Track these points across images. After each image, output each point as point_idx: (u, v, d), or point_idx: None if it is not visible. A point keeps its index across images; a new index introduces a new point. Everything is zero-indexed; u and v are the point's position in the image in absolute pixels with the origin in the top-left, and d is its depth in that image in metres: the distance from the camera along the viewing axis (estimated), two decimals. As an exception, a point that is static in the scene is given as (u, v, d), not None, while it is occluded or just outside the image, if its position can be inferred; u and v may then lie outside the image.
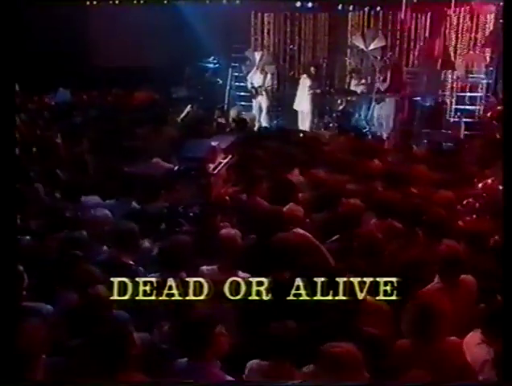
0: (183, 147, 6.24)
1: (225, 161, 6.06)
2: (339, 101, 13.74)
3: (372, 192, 6.03)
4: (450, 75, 13.07)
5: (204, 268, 4.65)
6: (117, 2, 15.62)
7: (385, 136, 12.09)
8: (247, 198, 6.09)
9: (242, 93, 14.40)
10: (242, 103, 14.32)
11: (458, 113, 12.58)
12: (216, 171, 5.78)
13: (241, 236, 4.68)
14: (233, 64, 14.53)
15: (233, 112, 12.29)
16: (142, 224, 5.15)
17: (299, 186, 6.47)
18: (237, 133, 8.10)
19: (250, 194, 6.12)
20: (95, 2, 15.52)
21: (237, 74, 14.49)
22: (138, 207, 5.77)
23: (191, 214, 5.40)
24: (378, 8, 14.52)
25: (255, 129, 10.24)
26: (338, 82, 14.59)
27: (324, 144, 8.22)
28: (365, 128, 13.21)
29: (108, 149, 7.97)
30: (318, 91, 12.97)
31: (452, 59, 13.03)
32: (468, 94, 12.85)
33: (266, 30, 15.26)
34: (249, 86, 13.61)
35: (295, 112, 13.31)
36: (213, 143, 6.07)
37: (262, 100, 13.52)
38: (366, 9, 14.68)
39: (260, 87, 13.47)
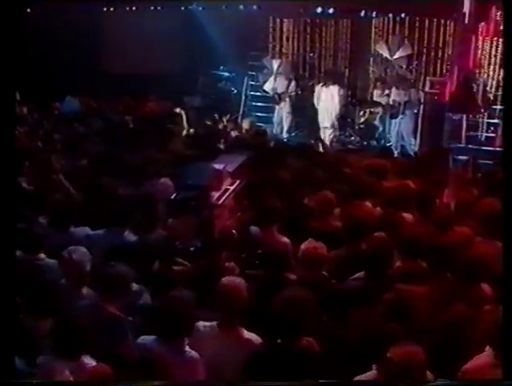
0: (182, 172, 5.42)
1: (233, 187, 5.23)
2: (361, 113, 12.93)
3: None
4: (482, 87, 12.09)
5: (201, 324, 3.86)
6: (134, 8, 15.15)
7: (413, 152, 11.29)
8: (261, 231, 5.29)
9: (259, 103, 13.65)
10: (259, 114, 13.60)
11: (491, 128, 11.64)
12: (220, 201, 4.96)
13: (246, 286, 3.85)
14: (249, 73, 13.82)
15: (245, 124, 11.48)
16: (131, 262, 4.37)
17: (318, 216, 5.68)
18: (250, 149, 7.24)
19: (264, 226, 5.32)
20: (112, 9, 15.02)
21: (253, 83, 13.77)
22: (131, 240, 4.98)
23: (190, 251, 4.59)
24: (403, 14, 13.69)
25: (271, 144, 9.33)
26: (360, 92, 13.77)
27: (347, 163, 7.34)
28: (389, 142, 12.45)
29: (107, 166, 7.21)
30: (339, 102, 12.06)
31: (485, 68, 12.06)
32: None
33: (284, 37, 14.51)
34: (271, 94, 12.81)
35: (316, 123, 12.47)
36: (218, 166, 5.24)
37: (284, 108, 12.72)
38: (390, 15, 13.83)
39: (283, 93, 12.68)
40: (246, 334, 3.82)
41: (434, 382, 3.37)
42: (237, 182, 5.31)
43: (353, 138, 12.89)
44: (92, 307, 4.07)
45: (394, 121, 12.05)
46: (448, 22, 13.20)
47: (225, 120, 11.28)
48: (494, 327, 3.64)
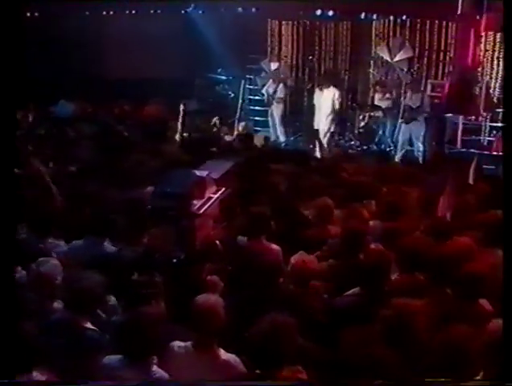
0: (161, 180, 5.13)
1: (217, 195, 4.94)
2: (361, 117, 12.64)
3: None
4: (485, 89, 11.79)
5: (176, 344, 3.58)
6: (133, 11, 14.95)
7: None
8: (249, 241, 5.01)
9: (257, 107, 13.39)
10: (257, 118, 13.32)
11: (493, 132, 11.34)
12: (202, 210, 4.67)
13: (223, 305, 3.56)
14: (247, 76, 13.56)
15: (241, 128, 11.18)
16: (107, 275, 4.11)
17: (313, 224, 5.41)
18: (240, 154, 6.96)
19: (253, 236, 5.05)
20: (112, 12, 14.81)
21: (251, 86, 13.50)
22: (109, 251, 4.71)
23: (169, 263, 4.31)
24: (404, 17, 13.41)
25: (263, 148, 9.03)
26: (361, 96, 13.48)
27: (345, 169, 7.05)
28: (390, 147, 12.14)
29: (95, 172, 6.96)
30: (337, 105, 11.75)
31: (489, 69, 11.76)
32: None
33: (283, 40, 14.25)
34: (265, 96, 12.55)
35: (314, 127, 12.14)
36: (201, 173, 4.95)
37: (275, 112, 12.43)
38: (391, 17, 13.55)
39: (274, 95, 12.38)
40: (224, 355, 3.54)
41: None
42: (222, 189, 5.03)
43: (352, 143, 12.60)
44: (63, 321, 3.81)
45: (404, 125, 11.66)
46: (450, 24, 12.93)
47: (217, 123, 10.97)
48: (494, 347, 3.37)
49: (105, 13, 14.73)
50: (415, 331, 3.53)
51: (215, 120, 10.86)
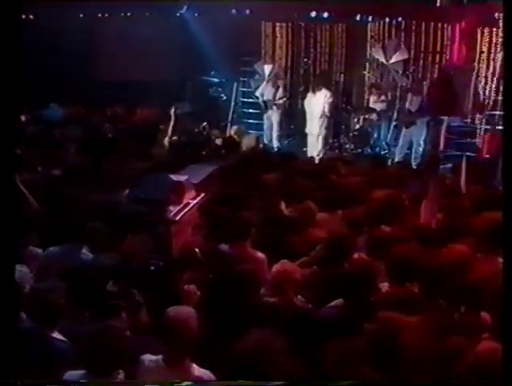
0: (136, 185, 4.93)
1: (196, 201, 4.74)
2: (356, 120, 12.46)
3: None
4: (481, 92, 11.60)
5: (147, 357, 3.38)
6: (129, 14, 14.79)
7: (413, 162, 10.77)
8: (232, 248, 4.82)
9: (251, 110, 13.20)
10: (250, 120, 13.14)
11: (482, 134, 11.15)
12: (179, 216, 4.47)
13: (196, 318, 3.37)
14: (241, 79, 13.39)
15: (233, 131, 10.99)
16: (81, 283, 3.93)
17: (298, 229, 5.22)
18: (226, 158, 6.78)
19: (235, 242, 4.86)
20: (106, 15, 14.65)
21: (245, 89, 13.33)
22: (85, 259, 4.52)
23: (146, 272, 4.11)
24: (400, 18, 13.24)
25: (254, 151, 8.83)
26: (356, 98, 13.30)
27: (336, 173, 6.85)
28: (385, 150, 11.97)
29: (79, 176, 6.78)
30: (330, 107, 11.56)
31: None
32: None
33: (278, 42, 14.07)
34: (260, 100, 12.35)
35: (308, 130, 11.95)
36: (179, 178, 4.75)
37: (272, 116, 12.23)
38: (387, 19, 13.38)
39: (270, 100, 12.20)
40: (197, 371, 3.34)
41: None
42: (202, 195, 4.83)
43: (347, 146, 12.43)
44: (29, 331, 3.62)
45: (405, 129, 11.47)
46: (446, 26, 12.77)
47: (207, 127, 10.79)
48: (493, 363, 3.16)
49: (100, 15, 14.59)
50: (402, 347, 3.31)
51: (204, 124, 10.66)
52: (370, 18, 13.41)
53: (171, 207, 4.43)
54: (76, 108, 12.17)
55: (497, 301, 3.91)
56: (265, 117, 12.36)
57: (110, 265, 4.30)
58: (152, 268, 4.44)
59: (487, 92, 11.39)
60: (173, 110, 9.75)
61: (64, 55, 13.35)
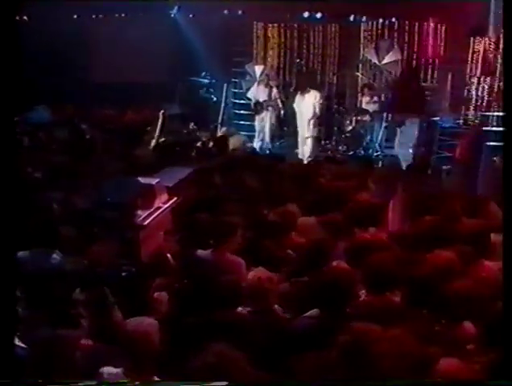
0: (102, 189, 4.75)
1: (168, 205, 4.57)
2: (348, 121, 12.30)
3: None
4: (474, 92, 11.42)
5: (106, 370, 3.22)
6: (123, 15, 14.65)
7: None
8: (211, 254, 4.66)
9: (242, 111, 13.03)
10: (242, 122, 12.97)
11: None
12: (148, 221, 4.29)
13: (157, 330, 3.20)
14: (232, 80, 13.24)
15: (221, 133, 10.83)
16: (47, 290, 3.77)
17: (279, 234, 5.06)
18: (204, 161, 6.62)
19: (213, 248, 4.71)
20: (101, 16, 14.50)
21: (236, 90, 13.17)
22: (53, 263, 4.35)
23: (113, 279, 3.95)
24: (394, 19, 13.10)
25: (240, 153, 8.65)
26: (348, 99, 13.14)
27: (322, 176, 6.68)
28: (377, 151, 11.81)
29: (59, 178, 6.62)
30: (321, 108, 11.39)
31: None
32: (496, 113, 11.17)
33: (270, 43, 13.91)
34: (253, 101, 12.19)
35: (300, 132, 11.77)
36: (150, 181, 4.57)
37: (264, 118, 12.06)
38: (380, 20, 13.25)
39: (265, 102, 12.03)
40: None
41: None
42: (175, 198, 4.66)
43: (340, 147, 12.27)
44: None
45: (398, 129, 11.33)
46: (439, 26, 12.63)
47: (193, 128, 10.64)
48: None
49: (94, 16, 14.44)
50: (375, 360, 3.13)
51: (191, 125, 10.50)
52: (364, 19, 13.29)
53: (140, 212, 4.26)
54: (64, 109, 12.00)
55: (482, 311, 3.75)
56: (256, 118, 12.19)
57: (77, 271, 4.14)
58: (124, 274, 4.27)
59: (479, 92, 11.20)
60: (161, 112, 9.59)
61: (55, 56, 13.19)
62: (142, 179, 4.55)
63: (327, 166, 7.46)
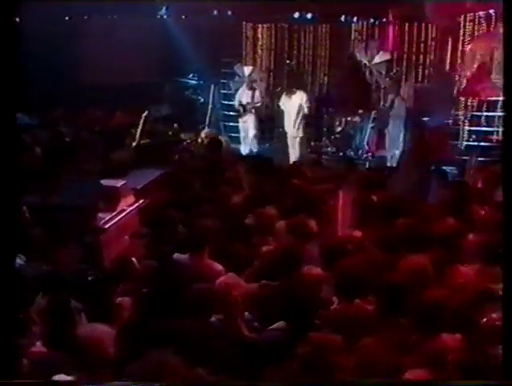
0: (62, 191, 4.60)
1: (133, 207, 4.42)
2: (338, 122, 12.18)
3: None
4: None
5: (59, 378, 3.09)
6: (115, 16, 14.51)
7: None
8: (192, 258, 4.53)
9: (231, 112, 12.90)
10: (231, 123, 12.84)
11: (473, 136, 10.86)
12: (110, 224, 4.14)
13: (111, 337, 3.07)
14: (221, 81, 13.11)
15: (204, 134, 10.70)
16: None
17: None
18: (177, 163, 6.48)
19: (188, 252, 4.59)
20: (86, 17, 14.33)
21: (225, 91, 13.04)
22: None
23: (76, 284, 3.82)
24: (384, 19, 12.99)
25: (220, 154, 8.49)
26: (338, 100, 12.99)
27: (303, 178, 6.54)
28: (367, 152, 11.70)
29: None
30: (307, 109, 11.26)
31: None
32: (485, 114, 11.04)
33: (259, 44, 13.77)
34: (237, 104, 12.07)
35: (287, 133, 11.63)
36: (114, 184, 4.41)
37: (249, 120, 11.93)
38: (371, 20, 13.13)
39: (248, 104, 11.90)
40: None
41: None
42: (141, 201, 4.51)
43: (329, 149, 12.14)
44: None
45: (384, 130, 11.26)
46: (430, 26, 12.52)
47: (176, 128, 10.51)
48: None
49: (79, 18, 14.28)
50: (336, 371, 3.00)
51: (175, 126, 10.38)
52: (355, 19, 13.18)
53: (101, 215, 4.12)
54: (51, 111, 11.85)
55: (458, 320, 3.61)
56: (240, 120, 12.07)
57: (40, 276, 4.01)
58: (88, 279, 4.14)
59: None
60: (144, 114, 9.48)
61: (42, 57, 13.04)
62: (106, 182, 4.40)
63: (308, 168, 7.30)
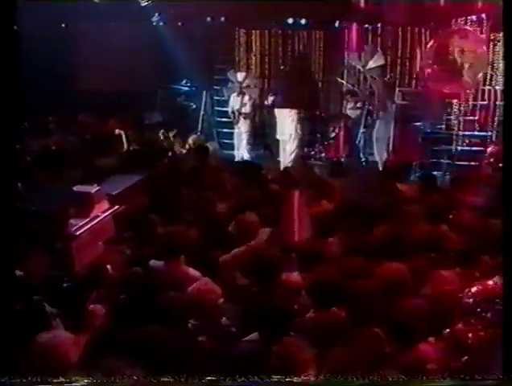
0: (30, 197, 4.53)
1: (107, 213, 4.33)
2: (331, 128, 12.11)
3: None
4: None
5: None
6: (107, 23, 14.45)
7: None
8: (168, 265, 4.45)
9: (224, 119, 12.84)
10: (225, 130, 12.78)
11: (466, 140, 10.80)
12: (82, 231, 4.05)
13: (71, 344, 2.98)
14: (214, 87, 13.07)
15: (191, 140, 10.63)
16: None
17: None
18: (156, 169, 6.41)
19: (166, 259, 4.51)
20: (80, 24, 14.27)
21: (218, 98, 12.98)
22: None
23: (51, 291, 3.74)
24: (379, 24, 12.94)
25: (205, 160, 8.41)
26: (332, 106, 12.94)
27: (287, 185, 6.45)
28: (360, 158, 11.64)
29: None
30: (302, 116, 11.19)
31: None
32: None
33: (253, 50, 13.72)
34: (230, 110, 12.01)
35: (279, 140, 11.56)
36: (87, 189, 4.33)
37: (242, 127, 11.86)
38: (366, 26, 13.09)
39: (241, 110, 11.85)
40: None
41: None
42: (117, 207, 4.44)
43: (323, 154, 12.08)
44: None
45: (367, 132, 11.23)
46: (423, 31, 12.46)
47: (170, 136, 10.46)
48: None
49: (78, 24, 14.24)
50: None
51: (161, 132, 10.33)
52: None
53: (73, 221, 4.04)
54: (41, 117, 11.79)
55: (439, 329, 3.52)
56: (236, 126, 12.02)
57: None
58: (61, 285, 4.06)
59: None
60: (132, 120, 9.43)
61: (33, 63, 13.00)
62: (79, 187, 4.33)
63: (298, 174, 7.22)
